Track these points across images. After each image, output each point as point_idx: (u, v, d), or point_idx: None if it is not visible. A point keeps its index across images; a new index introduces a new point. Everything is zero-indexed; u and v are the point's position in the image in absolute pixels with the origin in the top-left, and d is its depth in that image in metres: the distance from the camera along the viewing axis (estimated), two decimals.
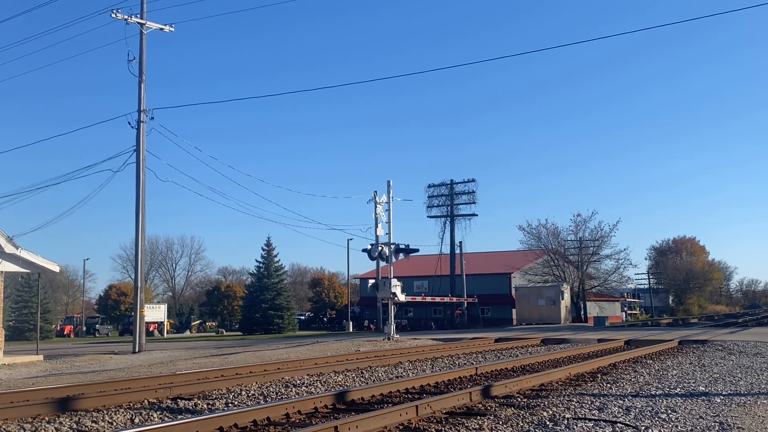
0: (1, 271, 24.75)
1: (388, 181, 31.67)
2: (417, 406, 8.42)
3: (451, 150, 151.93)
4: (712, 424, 7.67)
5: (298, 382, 12.83)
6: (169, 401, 10.42)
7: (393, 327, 31.12)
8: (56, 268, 27.57)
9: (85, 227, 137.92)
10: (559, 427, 7.51)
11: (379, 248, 31.16)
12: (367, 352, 21.40)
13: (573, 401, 9.43)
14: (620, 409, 8.68)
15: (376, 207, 31.76)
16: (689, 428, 7.45)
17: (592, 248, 61.91)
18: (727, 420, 7.88)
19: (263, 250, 71.15)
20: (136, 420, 8.86)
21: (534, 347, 23.48)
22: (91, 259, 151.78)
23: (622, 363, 15.57)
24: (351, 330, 61.81)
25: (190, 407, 9.79)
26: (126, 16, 29.59)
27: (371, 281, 50.85)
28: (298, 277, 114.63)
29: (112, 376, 15.73)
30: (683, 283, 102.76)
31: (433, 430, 7.69)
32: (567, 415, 8.22)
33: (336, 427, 7.08)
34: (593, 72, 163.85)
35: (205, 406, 9.94)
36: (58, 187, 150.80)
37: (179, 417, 8.82)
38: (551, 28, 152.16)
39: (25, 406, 9.37)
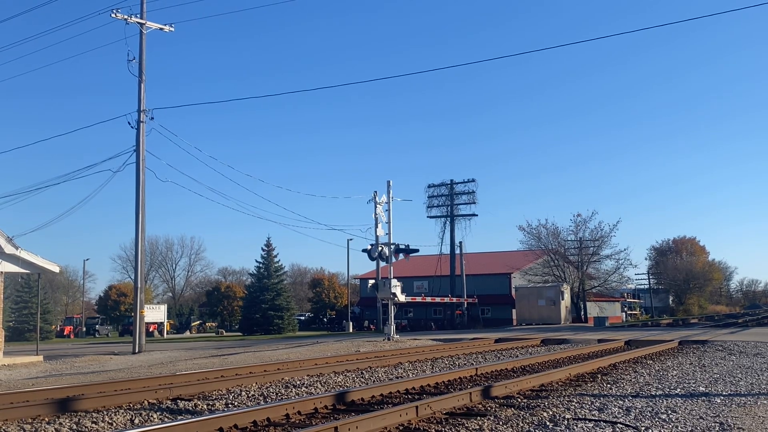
0: (1, 272, 24.73)
1: (388, 181, 31.75)
2: (417, 407, 8.42)
3: (450, 150, 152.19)
4: (713, 424, 7.66)
5: (298, 382, 12.83)
6: (169, 402, 10.42)
7: (393, 327, 31.13)
8: (56, 269, 27.54)
9: (85, 227, 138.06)
10: (559, 428, 7.50)
11: (379, 248, 31.16)
12: (367, 352, 21.40)
13: (573, 402, 9.43)
14: (620, 410, 8.68)
15: (376, 207, 31.78)
16: (689, 428, 7.45)
17: (592, 248, 61.97)
18: (727, 420, 7.88)
19: (263, 250, 71.18)
20: (136, 420, 8.86)
21: (534, 348, 23.49)
22: (91, 259, 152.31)
23: (622, 363, 15.58)
24: (351, 330, 61.81)
25: (190, 408, 9.79)
26: (126, 16, 29.60)
27: (371, 281, 50.80)
28: (298, 278, 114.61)
29: (112, 376, 15.74)
30: (683, 284, 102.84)
31: (433, 430, 7.69)
32: (567, 416, 8.22)
33: (336, 428, 7.08)
34: (592, 72, 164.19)
35: (205, 406, 9.94)
36: (58, 187, 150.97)
37: (179, 418, 8.82)
38: (550, 28, 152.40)
39: (25, 407, 9.38)
